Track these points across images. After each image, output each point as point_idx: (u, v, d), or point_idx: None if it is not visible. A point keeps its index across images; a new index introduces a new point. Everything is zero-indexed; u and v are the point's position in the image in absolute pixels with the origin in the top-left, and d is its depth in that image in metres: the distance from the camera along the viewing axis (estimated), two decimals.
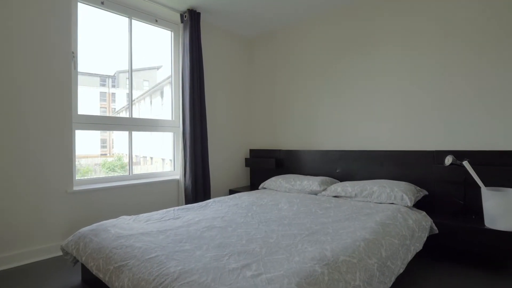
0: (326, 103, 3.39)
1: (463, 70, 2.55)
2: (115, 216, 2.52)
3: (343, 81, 3.26)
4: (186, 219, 1.98)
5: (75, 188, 2.47)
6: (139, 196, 2.86)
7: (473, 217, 2.40)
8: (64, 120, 2.41)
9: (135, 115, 3.03)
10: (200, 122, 3.27)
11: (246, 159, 3.93)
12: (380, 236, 1.72)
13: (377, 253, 1.56)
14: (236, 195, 2.88)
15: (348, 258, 1.36)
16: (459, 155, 2.49)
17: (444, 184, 2.62)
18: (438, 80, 2.68)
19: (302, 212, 2.24)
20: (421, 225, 2.17)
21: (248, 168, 4.09)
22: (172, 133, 3.39)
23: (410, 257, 1.89)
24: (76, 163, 2.58)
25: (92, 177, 2.74)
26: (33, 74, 2.26)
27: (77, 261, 1.84)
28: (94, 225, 1.84)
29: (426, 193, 2.65)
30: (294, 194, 2.90)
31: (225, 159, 3.76)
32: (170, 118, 3.38)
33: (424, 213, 2.36)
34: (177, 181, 3.22)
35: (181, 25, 3.27)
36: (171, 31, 3.40)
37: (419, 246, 2.05)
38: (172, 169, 3.38)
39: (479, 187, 2.36)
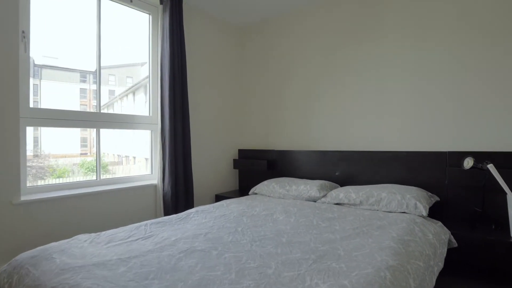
0: (325, 98, 3.04)
1: (482, 63, 2.25)
2: (74, 233, 2.06)
3: (344, 74, 2.92)
4: (159, 239, 1.57)
5: (24, 198, 2.00)
6: (107, 206, 2.41)
7: (493, 227, 2.11)
8: (7, 114, 1.94)
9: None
10: (182, 118, 2.85)
11: (234, 160, 3.54)
12: (405, 260, 1.37)
13: (405, 285, 1.21)
14: (224, 202, 2.49)
15: None
16: (476, 156, 2.17)
17: (458, 189, 2.32)
18: (452, 74, 2.37)
19: (302, 225, 1.88)
20: (441, 239, 1.85)
21: (237, 171, 3.70)
22: (150, 131, 2.96)
23: (434, 280, 1.56)
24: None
25: (47, 183, 2.28)
26: None
27: None
28: (37, 250, 1.41)
29: (438, 199, 2.35)
30: (289, 201, 2.53)
31: (210, 160, 3.35)
32: (147, 114, 2.95)
33: (440, 223, 2.05)
34: (155, 186, 2.79)
35: (160, 7, 2.84)
36: (149, 14, 2.96)
37: (441, 265, 1.72)
38: (150, 173, 2.95)
39: (498, 193, 2.07)
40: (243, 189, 3.56)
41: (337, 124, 2.96)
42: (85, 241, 1.52)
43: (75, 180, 2.45)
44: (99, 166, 2.53)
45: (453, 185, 2.32)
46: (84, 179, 2.50)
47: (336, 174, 2.88)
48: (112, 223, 2.40)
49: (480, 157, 2.14)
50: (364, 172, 2.72)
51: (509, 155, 2.11)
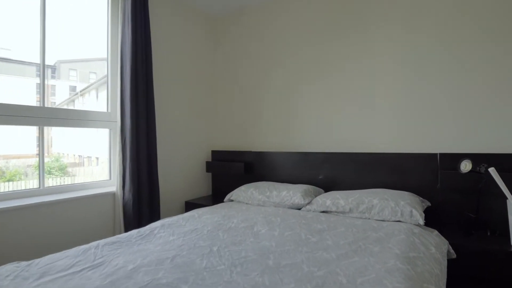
0: (307, 95, 2.80)
1: (479, 61, 2.12)
2: (2, 261, 1.63)
3: (328, 68, 2.70)
4: (112, 268, 1.22)
5: None
6: (51, 222, 1.97)
7: (488, 233, 1.97)
8: None
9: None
10: (146, 115, 2.47)
11: (207, 162, 3.20)
12: (418, 286, 1.14)
13: None
14: (195, 213, 2.15)
15: None
16: (470, 158, 2.02)
17: (450, 193, 2.17)
18: (446, 71, 2.22)
19: (289, 240, 1.60)
20: (442, 252, 1.66)
21: (210, 174, 3.36)
22: (108, 130, 2.54)
23: None
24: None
25: None
26: None
27: None
28: None
29: (429, 204, 2.20)
30: (271, 209, 2.25)
31: (180, 162, 2.99)
32: (105, 110, 2.53)
33: (436, 231, 1.87)
34: (113, 194, 2.38)
35: None
36: None
37: (445, 281, 1.52)
38: (108, 178, 2.53)
39: (492, 197, 1.95)
40: (217, 195, 3.23)
41: (320, 123, 2.73)
42: (7, 276, 1.13)
43: (12, 189, 2.01)
44: (42, 171, 2.09)
45: (445, 189, 2.17)
46: (26, 187, 2.06)
47: (320, 177, 2.65)
48: (57, 244, 1.96)
49: (475, 159, 2.00)
50: (349, 175, 2.51)
51: (508, 157, 1.98)
